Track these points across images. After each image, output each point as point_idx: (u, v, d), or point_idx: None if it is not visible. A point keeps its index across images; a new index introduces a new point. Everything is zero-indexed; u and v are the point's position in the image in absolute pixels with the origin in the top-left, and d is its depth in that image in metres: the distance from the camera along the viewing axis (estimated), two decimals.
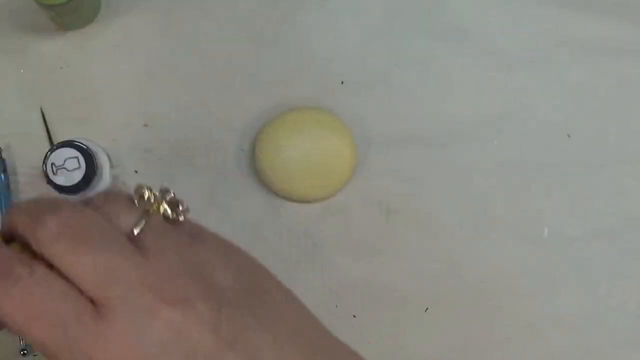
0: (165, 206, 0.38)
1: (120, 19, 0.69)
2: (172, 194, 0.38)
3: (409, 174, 0.70)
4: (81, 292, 0.34)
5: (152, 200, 0.37)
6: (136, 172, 0.68)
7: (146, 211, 0.37)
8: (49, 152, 0.56)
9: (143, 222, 0.37)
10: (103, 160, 0.58)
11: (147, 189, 0.38)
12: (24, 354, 0.66)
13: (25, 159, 0.68)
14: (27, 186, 0.68)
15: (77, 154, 0.56)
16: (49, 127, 0.68)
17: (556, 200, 0.70)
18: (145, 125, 0.69)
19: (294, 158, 0.67)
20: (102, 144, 0.60)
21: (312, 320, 0.40)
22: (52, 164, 0.56)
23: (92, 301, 0.34)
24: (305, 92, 0.70)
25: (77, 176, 0.56)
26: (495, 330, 0.69)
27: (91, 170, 0.56)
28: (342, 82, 0.70)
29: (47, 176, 0.56)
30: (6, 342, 0.67)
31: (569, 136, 0.71)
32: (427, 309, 0.69)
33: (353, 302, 0.68)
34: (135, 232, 0.36)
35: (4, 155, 0.67)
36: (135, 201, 0.38)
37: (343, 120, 0.69)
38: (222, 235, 0.41)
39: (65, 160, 0.56)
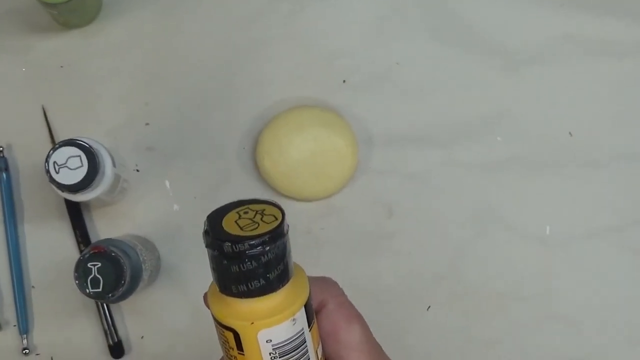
0: None
1: (122, 17, 0.69)
2: None
3: (411, 172, 0.70)
4: None
5: None
6: (137, 170, 0.68)
7: None
8: (51, 151, 0.56)
9: None
10: (105, 159, 0.58)
11: None
12: (26, 353, 0.66)
13: (27, 157, 0.68)
14: (29, 184, 0.68)
15: (80, 152, 0.56)
16: (51, 125, 0.68)
17: (558, 199, 0.70)
18: (147, 124, 0.69)
19: (295, 157, 0.66)
20: (104, 143, 0.60)
21: None
22: (55, 162, 0.56)
23: None
24: (307, 90, 0.70)
25: (79, 175, 0.56)
26: (497, 329, 0.69)
27: (93, 168, 0.56)
28: (344, 81, 0.70)
29: (49, 175, 0.56)
30: (9, 342, 0.67)
31: (571, 134, 0.71)
32: (429, 307, 0.69)
33: (355, 300, 0.68)
34: None
35: (5, 153, 0.67)
36: None
37: (345, 119, 0.69)
38: None
39: (67, 159, 0.56)
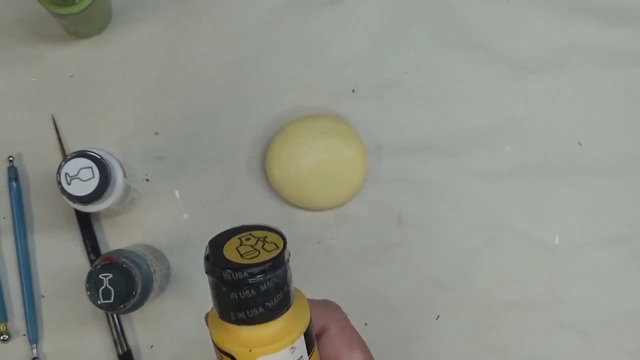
0: None
1: (131, 27, 0.69)
2: None
3: (420, 181, 0.70)
4: None
5: None
6: (147, 180, 0.68)
7: None
8: (62, 162, 0.56)
9: None
10: (116, 170, 0.58)
11: None
12: None
13: (37, 167, 0.68)
14: (39, 194, 0.68)
15: (91, 163, 0.56)
16: (61, 134, 0.68)
17: (567, 208, 0.70)
18: (156, 133, 0.69)
19: (305, 166, 0.67)
20: (113, 152, 0.60)
21: None
22: (66, 173, 0.56)
23: None
24: (316, 100, 0.70)
25: (91, 186, 0.56)
26: (506, 338, 0.69)
27: (105, 180, 0.56)
28: (353, 90, 0.70)
29: (61, 186, 0.56)
30: (19, 351, 0.67)
31: (580, 144, 0.71)
32: (438, 316, 0.69)
33: (364, 310, 0.68)
34: None
35: (15, 163, 0.67)
36: None
37: (354, 128, 0.69)
38: None
39: (79, 170, 0.56)
